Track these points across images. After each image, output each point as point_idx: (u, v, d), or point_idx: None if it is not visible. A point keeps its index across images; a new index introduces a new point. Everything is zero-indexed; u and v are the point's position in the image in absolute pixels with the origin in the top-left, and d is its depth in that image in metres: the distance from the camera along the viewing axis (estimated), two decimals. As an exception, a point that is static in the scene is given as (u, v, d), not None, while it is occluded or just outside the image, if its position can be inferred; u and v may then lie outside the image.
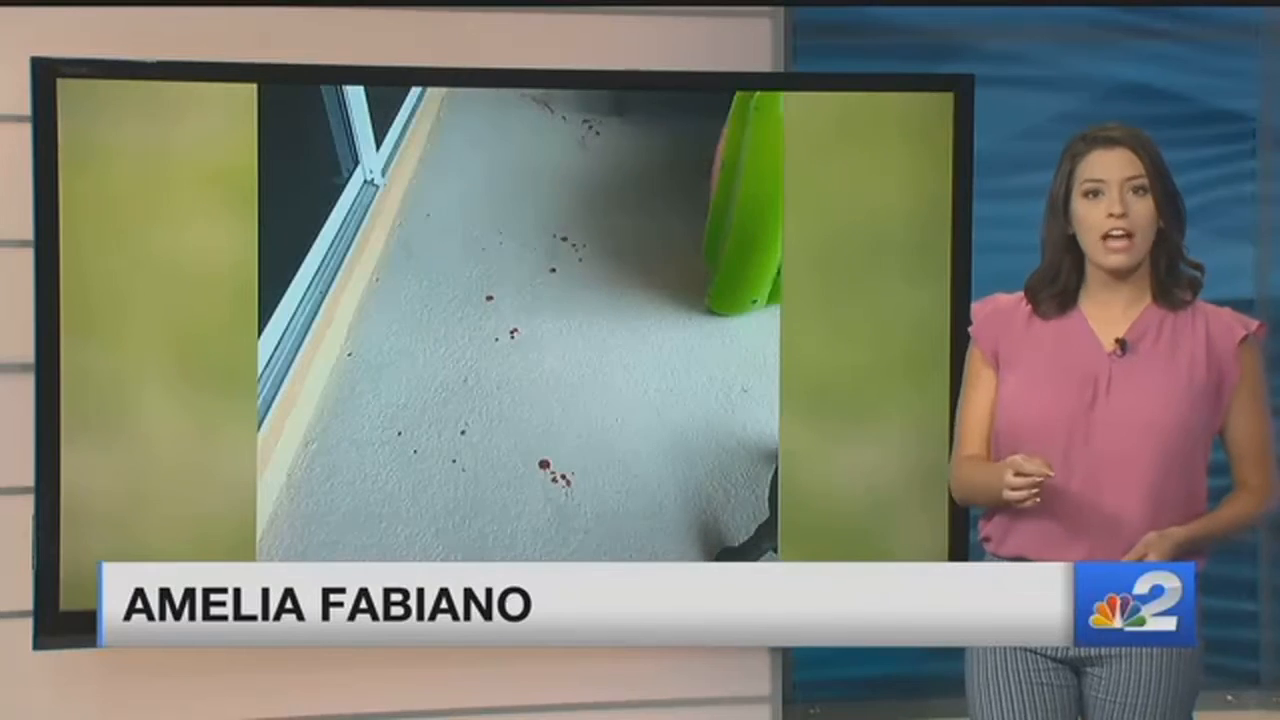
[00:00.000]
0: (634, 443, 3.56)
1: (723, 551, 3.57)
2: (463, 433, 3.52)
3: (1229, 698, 4.03)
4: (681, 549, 3.56)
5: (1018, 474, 2.78)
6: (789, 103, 3.55)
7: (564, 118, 3.53)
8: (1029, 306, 3.00)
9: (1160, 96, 3.99)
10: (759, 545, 3.58)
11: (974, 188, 3.59)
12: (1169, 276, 2.94)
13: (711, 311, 3.58)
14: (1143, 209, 2.89)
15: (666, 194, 3.57)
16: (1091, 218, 2.90)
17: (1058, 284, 2.96)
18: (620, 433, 3.56)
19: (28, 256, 3.34)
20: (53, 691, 3.52)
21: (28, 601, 3.36)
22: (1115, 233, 2.87)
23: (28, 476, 3.36)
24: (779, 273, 3.56)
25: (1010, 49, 3.96)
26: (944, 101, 3.58)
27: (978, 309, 3.09)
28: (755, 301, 3.57)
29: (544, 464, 3.53)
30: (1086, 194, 2.91)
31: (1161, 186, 2.91)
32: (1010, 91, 3.89)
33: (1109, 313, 2.95)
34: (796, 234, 3.57)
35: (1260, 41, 4.02)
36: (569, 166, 3.54)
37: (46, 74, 3.30)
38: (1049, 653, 2.94)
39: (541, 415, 3.54)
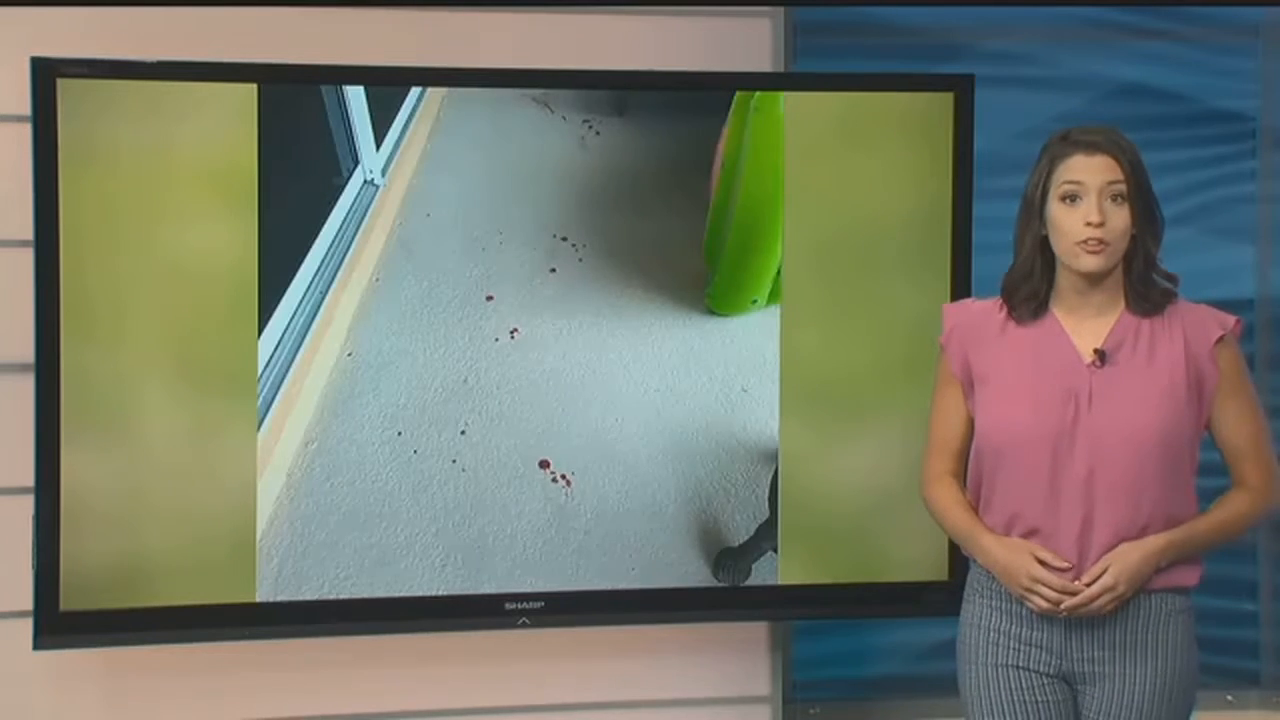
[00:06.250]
0: (634, 443, 3.56)
1: (722, 552, 3.57)
2: (463, 432, 3.52)
3: (1229, 698, 4.02)
4: (681, 549, 3.56)
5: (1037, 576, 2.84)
6: (789, 103, 3.55)
7: (564, 117, 3.52)
8: (1003, 313, 2.97)
9: (1160, 96, 3.99)
10: (759, 545, 3.58)
11: (974, 188, 3.59)
12: (1141, 284, 2.91)
13: (711, 311, 3.58)
14: (1120, 217, 2.86)
15: (667, 193, 3.57)
16: (1068, 223, 2.86)
17: (1030, 285, 2.94)
18: (620, 433, 3.56)
19: (28, 256, 3.34)
20: (53, 691, 3.52)
21: (28, 601, 3.36)
22: (1091, 240, 2.85)
23: (28, 476, 3.35)
24: (779, 273, 3.56)
25: (1010, 49, 3.96)
26: (944, 101, 3.57)
27: (948, 314, 3.07)
28: (755, 301, 3.57)
29: (544, 464, 3.53)
30: (1064, 197, 2.87)
31: (1140, 195, 2.87)
32: (1010, 91, 3.89)
33: (1082, 321, 2.92)
34: (796, 234, 3.56)
35: (1260, 41, 4.02)
36: (569, 166, 3.54)
37: (46, 74, 3.30)
38: (1043, 669, 2.92)
39: (541, 415, 3.54)
